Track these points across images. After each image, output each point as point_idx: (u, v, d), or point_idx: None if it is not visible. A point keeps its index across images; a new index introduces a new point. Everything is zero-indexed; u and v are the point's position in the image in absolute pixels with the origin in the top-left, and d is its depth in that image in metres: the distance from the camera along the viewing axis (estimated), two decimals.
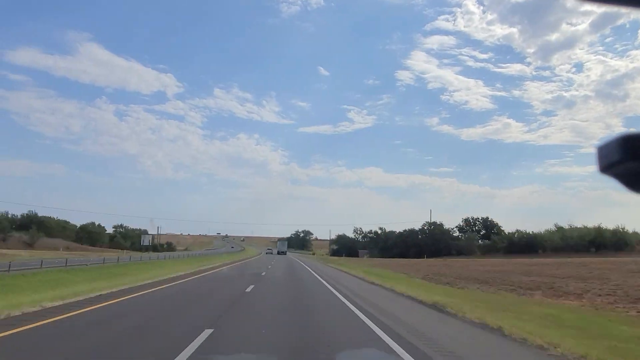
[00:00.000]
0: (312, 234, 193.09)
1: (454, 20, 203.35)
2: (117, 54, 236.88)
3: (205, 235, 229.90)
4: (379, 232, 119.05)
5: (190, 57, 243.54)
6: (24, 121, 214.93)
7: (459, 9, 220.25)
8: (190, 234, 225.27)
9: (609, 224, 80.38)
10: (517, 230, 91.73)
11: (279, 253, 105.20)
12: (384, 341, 7.39)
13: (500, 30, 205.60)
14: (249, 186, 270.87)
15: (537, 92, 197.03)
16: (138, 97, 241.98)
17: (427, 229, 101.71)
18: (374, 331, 8.37)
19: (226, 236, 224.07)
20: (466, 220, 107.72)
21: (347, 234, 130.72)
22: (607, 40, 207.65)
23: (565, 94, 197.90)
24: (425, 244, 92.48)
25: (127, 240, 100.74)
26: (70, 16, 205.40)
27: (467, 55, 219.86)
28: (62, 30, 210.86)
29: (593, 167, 0.82)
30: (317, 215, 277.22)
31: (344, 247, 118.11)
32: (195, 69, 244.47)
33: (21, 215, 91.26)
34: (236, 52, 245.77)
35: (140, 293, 14.25)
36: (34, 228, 79.15)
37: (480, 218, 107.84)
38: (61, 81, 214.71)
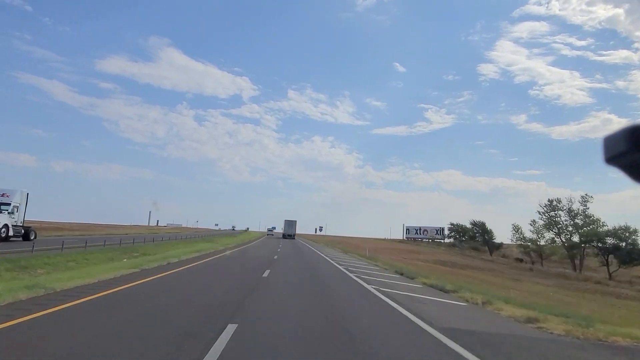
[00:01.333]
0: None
1: (548, 3, 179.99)
2: (195, 59, 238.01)
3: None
4: None
5: (264, 58, 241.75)
6: (115, 128, 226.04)
7: None
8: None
9: None
10: None
11: (284, 237, 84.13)
12: None
13: (603, 12, 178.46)
14: (325, 190, 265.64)
15: None
16: (215, 102, 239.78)
17: None
18: None
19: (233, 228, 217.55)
20: None
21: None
22: None
23: None
24: None
25: None
26: (150, 22, 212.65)
27: (562, 43, 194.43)
28: (144, 36, 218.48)
29: None
30: (393, 220, 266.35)
31: None
32: (269, 71, 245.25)
33: None
34: (309, 51, 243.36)
35: None
36: None
37: None
38: (146, 88, 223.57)
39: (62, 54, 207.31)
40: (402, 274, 20.14)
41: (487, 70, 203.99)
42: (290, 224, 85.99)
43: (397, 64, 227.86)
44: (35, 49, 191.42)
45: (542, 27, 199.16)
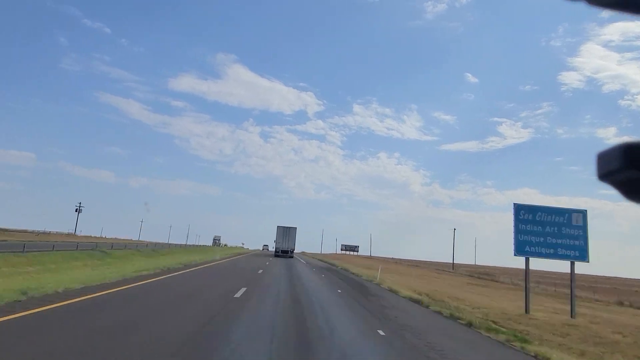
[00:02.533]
0: None
1: None
2: (260, 75, 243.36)
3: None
4: None
5: (329, 72, 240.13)
6: (185, 145, 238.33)
7: None
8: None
9: None
10: None
11: (277, 254, 56.53)
12: None
13: None
14: (390, 208, 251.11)
15: None
16: (281, 118, 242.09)
17: None
18: None
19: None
20: None
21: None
22: None
23: None
24: None
25: None
26: (217, 38, 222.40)
27: None
28: (212, 53, 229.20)
29: None
30: (461, 242, 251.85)
31: None
32: (334, 85, 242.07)
33: None
34: (375, 63, 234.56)
35: None
36: None
37: None
38: (214, 105, 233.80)
39: (137, 73, 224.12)
40: None
41: (570, 78, 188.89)
42: (285, 232, 55.85)
43: (469, 74, 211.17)
44: (113, 69, 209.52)
45: (637, 27, 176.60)
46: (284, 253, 55.83)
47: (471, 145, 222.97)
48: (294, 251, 60.03)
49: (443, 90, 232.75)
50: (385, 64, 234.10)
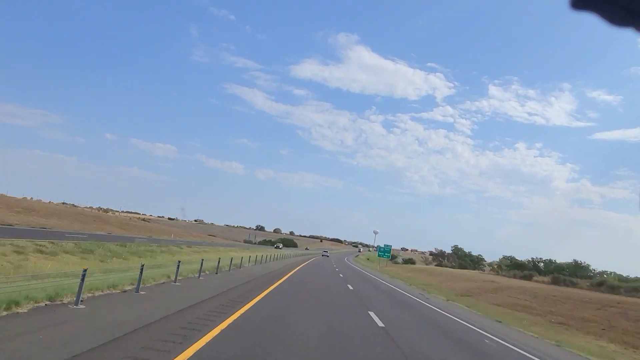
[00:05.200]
0: None
1: None
2: (384, 56, 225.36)
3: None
4: None
5: (462, 49, 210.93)
6: (307, 135, 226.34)
7: None
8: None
9: None
10: None
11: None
12: None
13: None
14: (525, 207, 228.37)
15: None
16: (405, 105, 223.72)
17: None
18: None
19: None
20: None
21: None
22: None
23: None
24: None
25: None
26: (339, 17, 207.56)
27: None
28: (334, 34, 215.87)
29: None
30: (615, 252, 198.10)
31: None
32: (467, 64, 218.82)
33: None
34: (520, 33, 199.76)
35: None
36: None
37: None
38: (335, 92, 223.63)
39: (261, 61, 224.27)
40: None
41: None
42: None
43: None
44: (239, 58, 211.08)
45: None
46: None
47: (636, 133, 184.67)
48: None
49: (608, 63, 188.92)
50: (532, 34, 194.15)
